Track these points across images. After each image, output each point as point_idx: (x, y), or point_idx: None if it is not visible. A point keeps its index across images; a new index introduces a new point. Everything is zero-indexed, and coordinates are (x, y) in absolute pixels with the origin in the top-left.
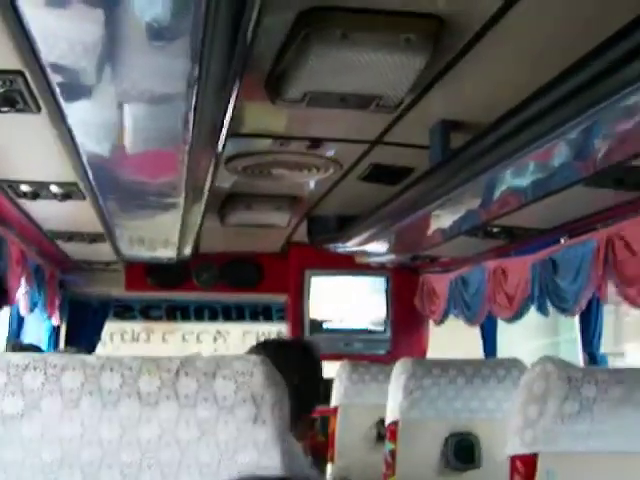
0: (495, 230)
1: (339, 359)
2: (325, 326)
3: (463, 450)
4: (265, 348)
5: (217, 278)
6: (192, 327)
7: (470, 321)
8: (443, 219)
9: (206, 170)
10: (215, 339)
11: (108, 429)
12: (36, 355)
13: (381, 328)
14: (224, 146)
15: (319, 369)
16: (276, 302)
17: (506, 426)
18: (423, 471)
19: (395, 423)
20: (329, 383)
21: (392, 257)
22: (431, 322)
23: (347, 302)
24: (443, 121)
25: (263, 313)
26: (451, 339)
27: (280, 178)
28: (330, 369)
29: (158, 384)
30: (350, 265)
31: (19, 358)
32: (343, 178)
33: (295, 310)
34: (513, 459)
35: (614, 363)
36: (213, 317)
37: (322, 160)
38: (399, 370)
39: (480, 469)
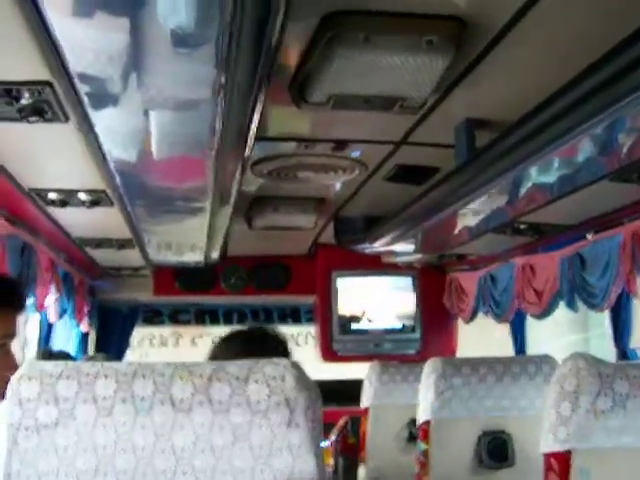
0: (522, 227)
1: (369, 360)
2: (354, 327)
3: (496, 448)
4: (230, 342)
5: (245, 281)
6: (221, 331)
7: (499, 318)
8: (470, 217)
9: (233, 174)
10: None
11: (142, 436)
12: (69, 363)
13: (410, 328)
14: (250, 150)
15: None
16: (304, 304)
17: (539, 423)
18: (457, 470)
19: (427, 423)
20: (359, 384)
21: (419, 256)
22: (460, 320)
23: (375, 302)
24: (468, 120)
25: (291, 315)
26: (480, 337)
27: (306, 180)
28: (360, 370)
29: (191, 390)
30: (377, 265)
31: (52, 367)
32: (368, 179)
33: (323, 311)
34: (547, 457)
35: None
36: (242, 320)
37: (347, 162)
38: (429, 370)
39: (514, 467)
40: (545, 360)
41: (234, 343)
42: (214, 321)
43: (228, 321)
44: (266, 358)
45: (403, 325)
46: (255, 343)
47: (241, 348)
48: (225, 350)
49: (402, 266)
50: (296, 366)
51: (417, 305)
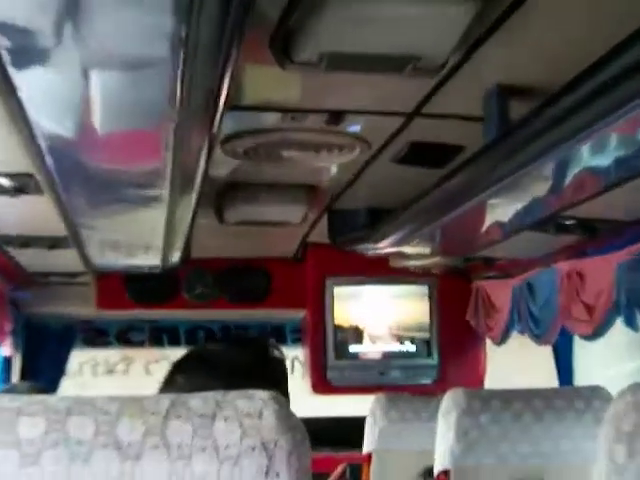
0: (569, 223)
1: (372, 392)
2: (353, 349)
3: None
4: (193, 365)
5: (214, 291)
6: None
7: (539, 339)
8: (502, 210)
9: (198, 153)
10: None
11: None
12: None
13: (425, 351)
14: (220, 123)
15: (283, 379)
16: (290, 320)
17: (588, 473)
18: None
19: (446, 473)
20: (360, 423)
21: (437, 260)
22: (489, 342)
23: (381, 318)
24: (499, 86)
25: (274, 335)
26: (515, 363)
27: (292, 162)
28: (361, 405)
29: (142, 431)
30: (383, 271)
31: None
32: (372, 161)
33: (315, 330)
34: None
35: None
36: (210, 341)
37: (345, 138)
38: (449, 404)
39: None
40: (596, 393)
41: (198, 366)
42: (174, 342)
43: (192, 342)
44: (243, 388)
45: (417, 347)
46: (229, 365)
47: (210, 373)
48: (185, 377)
49: (415, 272)
50: (277, 399)
51: (434, 322)
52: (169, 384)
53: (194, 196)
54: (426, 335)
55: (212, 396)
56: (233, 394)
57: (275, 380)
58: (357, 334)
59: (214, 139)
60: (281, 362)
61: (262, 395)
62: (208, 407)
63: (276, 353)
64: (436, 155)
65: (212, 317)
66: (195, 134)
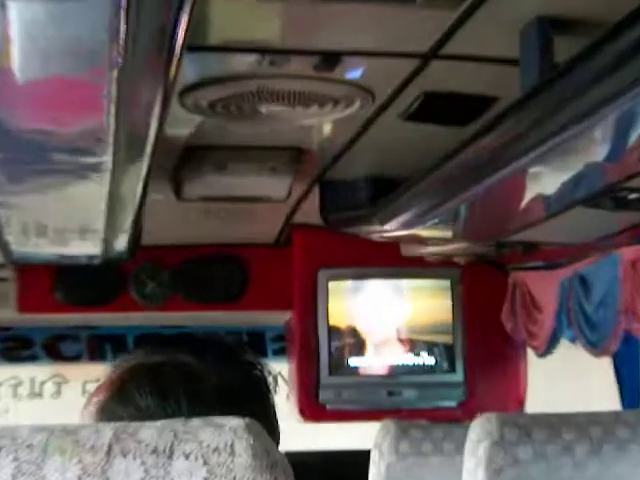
0: (633, 197)
1: (378, 418)
2: (354, 363)
3: None
4: (142, 378)
5: (170, 288)
6: None
7: (595, 348)
8: (545, 181)
9: (149, 109)
10: None
11: None
12: None
13: (447, 364)
14: (178, 68)
15: (267, 402)
16: (271, 325)
17: None
18: None
19: None
20: (363, 458)
21: (462, 246)
22: (531, 351)
23: (390, 322)
24: (540, 19)
25: (250, 344)
26: (565, 379)
27: (273, 120)
28: (364, 435)
29: (77, 472)
30: (392, 260)
31: None
32: (376, 117)
33: (303, 337)
34: None
35: None
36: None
37: (342, 88)
38: (479, 433)
39: None
40: None
41: (144, 385)
42: (120, 353)
43: None
44: (208, 414)
45: (436, 359)
46: (189, 382)
47: (163, 395)
48: (136, 384)
49: (434, 262)
50: (253, 429)
51: (458, 326)
52: (103, 411)
53: (144, 164)
54: (448, 343)
55: (169, 426)
56: (196, 423)
57: (256, 403)
58: (358, 343)
59: (170, 90)
60: (263, 378)
61: (234, 423)
62: (164, 440)
63: (257, 365)
64: (458, 109)
65: (169, 322)
66: (145, 83)
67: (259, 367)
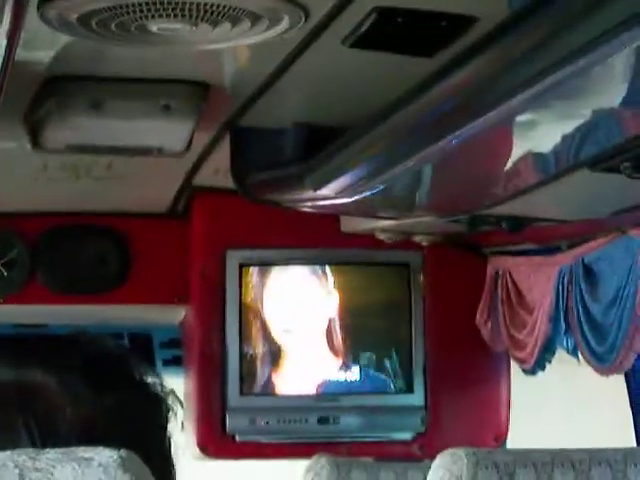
0: None
1: (307, 454)
2: (273, 379)
3: None
4: None
5: (25, 272)
6: None
7: (603, 362)
8: (539, 134)
9: None
10: None
11: None
12: None
13: (401, 381)
14: None
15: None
16: (162, 325)
17: None
18: None
19: None
20: None
21: (424, 220)
22: (515, 366)
23: (322, 324)
24: None
25: (133, 350)
26: (559, 404)
27: (167, 41)
28: (286, 475)
29: None
30: (328, 240)
31: None
32: (310, 42)
33: (205, 343)
34: None
35: None
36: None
37: (264, 1)
38: (443, 475)
39: None
40: None
41: None
42: None
43: None
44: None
45: (386, 376)
46: (45, 412)
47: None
48: None
49: (386, 242)
50: (131, 465)
51: (417, 330)
52: None
53: None
54: (403, 354)
55: (12, 460)
56: (51, 456)
57: (144, 432)
58: (279, 351)
59: None
60: (158, 399)
61: (104, 458)
62: (6, 478)
63: (148, 379)
64: (422, 33)
65: (20, 318)
66: None
67: (152, 388)
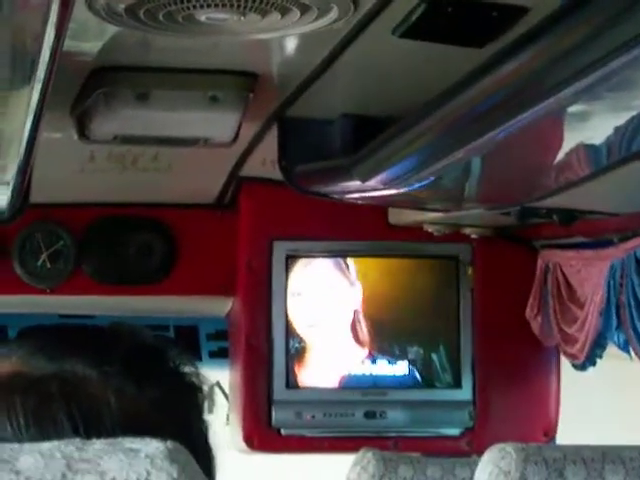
0: None
1: (353, 448)
2: (319, 374)
3: None
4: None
5: (71, 264)
6: None
7: None
8: (591, 125)
9: (43, 11)
10: None
11: None
12: None
13: (450, 376)
14: None
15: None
16: (208, 317)
17: None
18: None
19: None
20: None
21: (473, 212)
22: (565, 361)
23: (370, 317)
24: None
25: (179, 342)
26: (610, 400)
27: (216, 32)
28: (332, 470)
29: None
30: (377, 232)
31: None
32: (359, 33)
33: (252, 335)
34: None
35: None
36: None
37: None
38: (491, 471)
39: None
40: None
41: (23, 401)
42: None
43: None
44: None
45: (435, 370)
46: (86, 404)
47: (43, 417)
48: (6, 409)
49: (435, 234)
50: (178, 455)
51: (466, 324)
52: None
53: (37, 90)
54: (452, 348)
55: (59, 450)
56: (98, 447)
57: (185, 423)
58: (324, 345)
59: None
60: (196, 389)
61: (151, 449)
62: (52, 471)
63: (186, 370)
64: (472, 24)
65: (67, 309)
66: None
67: (190, 378)
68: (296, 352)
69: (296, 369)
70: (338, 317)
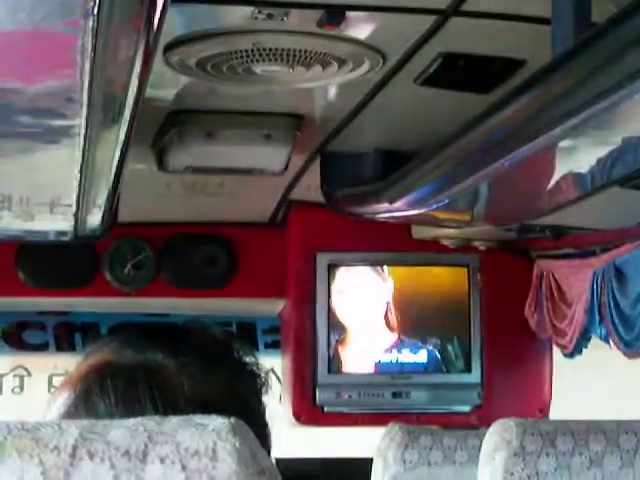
0: None
1: (383, 423)
2: (355, 361)
3: None
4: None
5: (151, 271)
6: None
7: (630, 348)
8: (578, 157)
9: (129, 66)
10: None
11: None
12: None
13: (462, 363)
14: (162, 20)
15: (258, 403)
16: (264, 315)
17: None
18: None
19: None
20: (365, 466)
21: (481, 228)
22: (557, 350)
23: (397, 314)
24: None
25: (240, 336)
26: (594, 382)
27: (269, 81)
28: (367, 441)
29: (37, 474)
30: (402, 244)
31: None
32: (387, 81)
33: (300, 330)
34: None
35: None
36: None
37: (348, 47)
38: (496, 441)
39: None
40: None
41: (115, 386)
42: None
43: None
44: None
45: (449, 357)
46: (165, 390)
47: (131, 400)
48: (100, 391)
49: (450, 246)
50: (239, 431)
51: (475, 321)
52: (78, 406)
53: (123, 129)
54: (464, 339)
55: (142, 425)
56: (174, 422)
57: (246, 403)
58: (360, 338)
59: (153, 44)
60: (255, 375)
61: (217, 424)
62: (136, 441)
63: (247, 359)
64: (480, 74)
65: (148, 309)
66: (124, 36)
67: (251, 366)
68: (336, 343)
69: (336, 357)
70: (374, 307)
